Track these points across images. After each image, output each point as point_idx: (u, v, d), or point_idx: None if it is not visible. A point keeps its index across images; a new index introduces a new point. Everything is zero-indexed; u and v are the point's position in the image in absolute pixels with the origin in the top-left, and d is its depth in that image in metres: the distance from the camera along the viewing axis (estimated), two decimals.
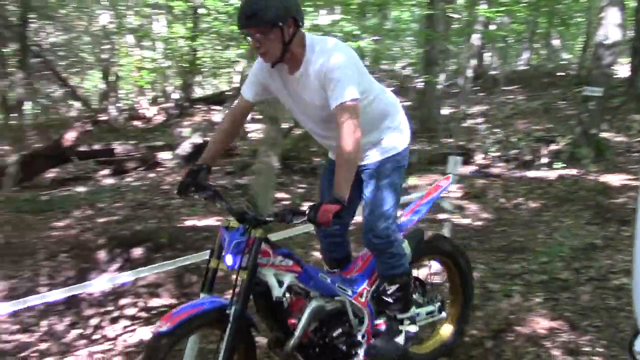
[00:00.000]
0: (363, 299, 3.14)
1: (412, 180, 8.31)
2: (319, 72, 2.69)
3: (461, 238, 5.81)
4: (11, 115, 11.03)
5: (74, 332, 4.38)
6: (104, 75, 16.36)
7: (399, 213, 3.28)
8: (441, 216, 5.28)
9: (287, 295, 2.87)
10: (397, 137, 3.07)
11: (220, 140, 3.04)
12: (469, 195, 7.48)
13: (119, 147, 10.60)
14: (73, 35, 16.44)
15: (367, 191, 3.04)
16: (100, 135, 12.97)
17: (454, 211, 5.48)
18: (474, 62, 14.37)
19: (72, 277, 5.12)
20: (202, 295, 2.71)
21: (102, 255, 5.32)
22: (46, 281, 5.06)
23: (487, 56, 19.20)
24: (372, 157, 3.03)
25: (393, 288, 3.12)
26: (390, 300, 3.14)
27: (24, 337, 4.36)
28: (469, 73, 13.43)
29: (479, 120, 12.81)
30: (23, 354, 4.11)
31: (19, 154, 8.94)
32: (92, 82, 20.88)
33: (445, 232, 5.11)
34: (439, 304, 3.53)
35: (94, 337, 4.28)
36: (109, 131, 13.61)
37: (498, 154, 9.27)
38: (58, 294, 3.71)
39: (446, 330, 3.66)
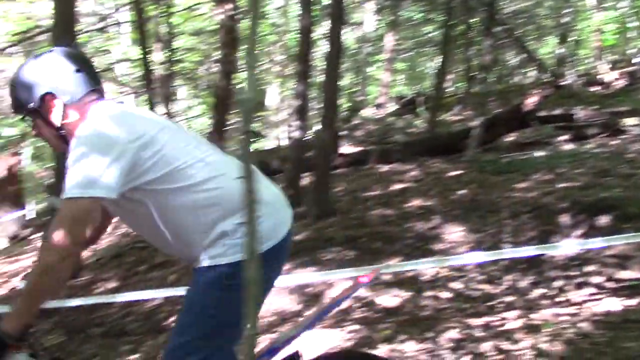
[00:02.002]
0: None
1: None
2: None
3: None
4: (474, 82, 11.69)
5: (537, 291, 4.41)
6: (562, 40, 16.01)
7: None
8: None
9: None
10: (227, 244, 2.04)
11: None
12: None
13: (579, 113, 10.27)
14: (533, 2, 16.49)
15: None
16: (558, 100, 12.77)
17: None
18: None
19: (533, 238, 5.19)
20: None
21: (564, 219, 5.23)
22: (509, 238, 5.24)
23: None
24: (198, 261, 2.11)
25: None
26: None
27: (489, 288, 4.61)
28: None
29: None
30: (489, 303, 4.34)
31: (482, 118, 9.43)
32: (549, 48, 20.72)
33: None
34: None
35: (558, 299, 4.23)
36: (568, 96, 13.27)
37: None
38: (528, 251, 3.77)
39: None
